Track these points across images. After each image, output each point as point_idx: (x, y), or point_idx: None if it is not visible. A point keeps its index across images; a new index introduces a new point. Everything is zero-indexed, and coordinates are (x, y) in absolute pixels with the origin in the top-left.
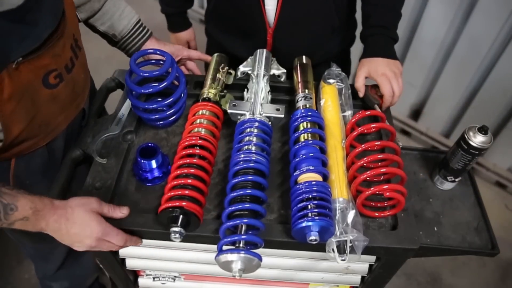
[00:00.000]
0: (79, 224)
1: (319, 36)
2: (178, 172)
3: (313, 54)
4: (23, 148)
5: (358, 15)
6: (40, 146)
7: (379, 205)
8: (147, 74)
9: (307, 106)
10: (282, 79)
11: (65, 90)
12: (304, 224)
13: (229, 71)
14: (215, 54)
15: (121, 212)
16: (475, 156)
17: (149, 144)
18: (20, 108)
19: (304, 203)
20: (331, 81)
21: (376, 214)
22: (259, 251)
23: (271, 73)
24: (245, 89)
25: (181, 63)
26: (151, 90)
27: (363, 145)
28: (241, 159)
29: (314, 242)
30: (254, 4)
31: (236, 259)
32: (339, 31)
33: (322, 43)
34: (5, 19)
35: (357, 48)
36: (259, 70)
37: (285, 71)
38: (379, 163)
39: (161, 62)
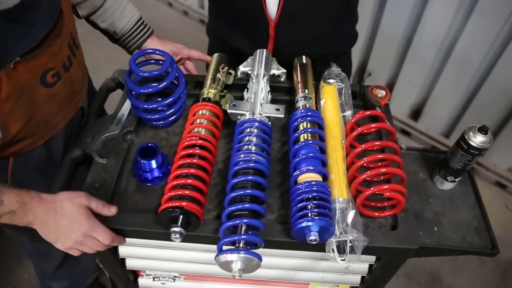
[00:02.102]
0: (67, 217)
1: (323, 28)
2: (178, 172)
3: (316, 48)
4: (21, 147)
5: (359, 10)
6: (38, 145)
7: (379, 205)
8: (147, 74)
9: (307, 106)
10: (282, 79)
11: (63, 88)
12: (304, 224)
13: (229, 71)
14: (215, 54)
15: (110, 210)
16: (475, 156)
17: (149, 144)
18: (18, 107)
19: (304, 203)
20: (331, 81)
21: (376, 214)
22: (259, 251)
23: (271, 73)
24: (245, 89)
25: (180, 62)
26: (150, 90)
27: (363, 145)
28: (241, 159)
29: (314, 242)
30: None
31: (236, 259)
32: (343, 24)
33: (326, 36)
34: (2, 18)
35: (357, 48)
36: (259, 70)
37: (285, 71)
38: (379, 163)
39: (161, 62)
